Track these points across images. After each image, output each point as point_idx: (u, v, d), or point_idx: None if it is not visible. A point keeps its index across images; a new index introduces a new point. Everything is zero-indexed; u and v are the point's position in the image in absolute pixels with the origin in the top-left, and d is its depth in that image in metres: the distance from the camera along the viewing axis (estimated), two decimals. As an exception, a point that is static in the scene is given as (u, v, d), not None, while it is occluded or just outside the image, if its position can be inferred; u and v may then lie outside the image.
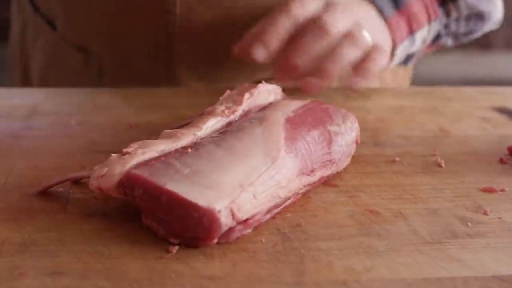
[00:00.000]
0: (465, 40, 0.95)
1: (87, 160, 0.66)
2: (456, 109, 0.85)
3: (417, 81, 1.07)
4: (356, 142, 0.68)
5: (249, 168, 0.56)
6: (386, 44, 0.80)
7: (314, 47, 0.73)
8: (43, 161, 0.67)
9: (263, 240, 0.55)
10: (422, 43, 0.87)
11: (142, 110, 0.80)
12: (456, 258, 0.53)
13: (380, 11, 0.80)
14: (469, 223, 0.59)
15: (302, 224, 0.57)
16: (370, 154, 0.71)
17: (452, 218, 0.59)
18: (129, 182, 0.54)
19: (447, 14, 0.87)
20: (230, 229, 0.54)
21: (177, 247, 0.53)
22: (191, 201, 0.52)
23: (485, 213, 0.60)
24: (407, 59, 0.89)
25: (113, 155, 0.58)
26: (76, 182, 0.62)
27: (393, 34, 0.80)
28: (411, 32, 0.83)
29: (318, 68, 0.73)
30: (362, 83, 0.75)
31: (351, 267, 0.52)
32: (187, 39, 0.88)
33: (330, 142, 0.63)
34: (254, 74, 0.90)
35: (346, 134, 0.65)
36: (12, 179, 0.63)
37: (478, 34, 0.95)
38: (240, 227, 0.54)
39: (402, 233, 0.57)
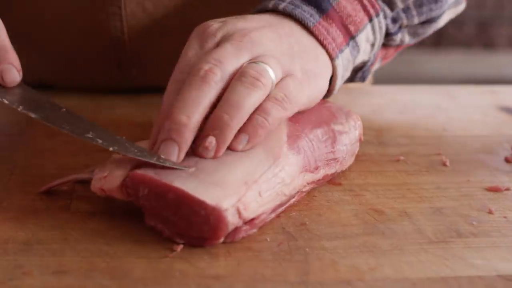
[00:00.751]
0: (427, 31, 0.77)
1: (91, 159, 0.66)
2: (461, 108, 0.85)
3: (420, 80, 1.07)
4: (360, 140, 0.67)
5: (252, 165, 0.56)
6: (318, 66, 0.65)
7: (197, 97, 0.56)
8: (47, 160, 0.67)
9: (268, 239, 0.55)
10: (371, 46, 0.71)
11: (146, 109, 0.80)
12: (461, 257, 0.53)
13: (302, 23, 0.66)
14: (474, 222, 0.58)
15: (307, 223, 0.57)
16: (374, 153, 0.71)
17: (457, 217, 0.59)
18: (134, 182, 0.54)
19: (391, 5, 0.71)
20: (236, 229, 0.53)
21: (181, 246, 0.53)
22: (199, 199, 0.51)
23: (490, 212, 0.60)
24: (363, 72, 0.75)
25: (114, 156, 0.57)
26: (81, 181, 0.62)
27: (325, 46, 0.66)
28: (350, 36, 0.68)
29: (210, 125, 0.57)
30: (247, 143, 0.57)
31: (355, 266, 0.52)
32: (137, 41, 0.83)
33: (334, 140, 0.63)
34: None
35: (350, 133, 0.65)
36: (15, 178, 0.63)
37: (440, 21, 0.78)
38: (246, 227, 0.54)
39: (407, 232, 0.56)
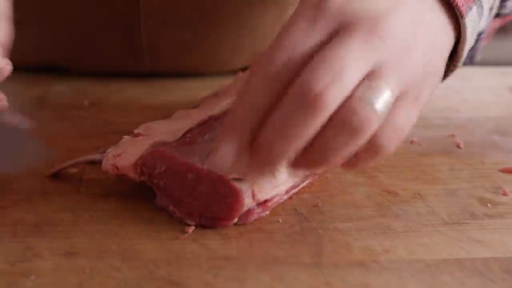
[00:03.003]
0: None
1: (100, 141, 0.65)
2: (474, 89, 0.84)
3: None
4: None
5: None
6: (439, 47, 0.51)
7: (301, 129, 0.44)
8: (56, 142, 0.66)
9: (280, 221, 0.54)
10: (489, 11, 0.58)
11: (155, 91, 0.80)
12: (475, 239, 0.53)
13: None
14: (488, 204, 0.58)
15: (320, 204, 0.57)
16: (387, 135, 0.70)
17: (471, 199, 0.58)
18: (153, 159, 0.53)
19: None
20: (249, 211, 0.53)
21: (193, 228, 0.52)
22: (223, 176, 0.51)
23: (504, 194, 0.59)
24: (473, 49, 0.64)
25: (125, 137, 0.57)
26: (93, 162, 0.61)
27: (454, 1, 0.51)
28: None
29: (302, 160, 0.47)
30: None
31: (369, 248, 0.51)
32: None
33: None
34: (233, 62, 0.84)
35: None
36: (25, 160, 0.63)
37: None
38: (258, 209, 0.53)
39: (421, 214, 0.56)
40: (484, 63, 0.82)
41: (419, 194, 0.59)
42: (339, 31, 0.45)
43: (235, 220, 0.52)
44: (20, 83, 0.80)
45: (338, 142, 0.44)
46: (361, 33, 0.45)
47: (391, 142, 0.46)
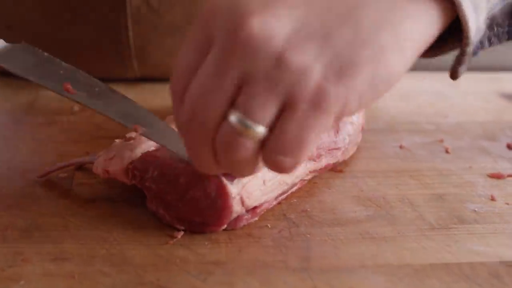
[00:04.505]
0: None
1: (90, 146, 0.66)
2: (462, 95, 0.85)
3: (422, 68, 1.06)
4: (362, 129, 0.67)
5: None
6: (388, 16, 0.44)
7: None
8: (46, 147, 0.66)
9: (269, 226, 0.54)
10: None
11: (145, 96, 0.80)
12: (463, 244, 0.53)
13: None
14: (476, 209, 0.58)
15: (308, 209, 0.57)
16: (376, 140, 0.71)
17: (459, 204, 0.59)
18: (145, 162, 0.53)
19: None
20: (238, 217, 0.53)
21: (182, 233, 0.52)
22: (216, 178, 0.51)
23: (492, 199, 0.60)
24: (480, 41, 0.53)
25: (117, 140, 0.57)
26: (80, 167, 0.61)
27: None
28: None
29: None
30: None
31: (357, 252, 0.51)
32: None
33: (337, 130, 0.62)
34: None
35: (353, 122, 0.65)
36: (15, 165, 0.63)
37: None
38: (247, 215, 0.54)
39: (409, 219, 0.56)
40: (473, 68, 0.83)
41: (407, 199, 0.59)
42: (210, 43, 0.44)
43: (224, 226, 0.52)
44: (10, 88, 0.80)
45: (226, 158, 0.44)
46: (220, 44, 0.42)
47: (286, 158, 0.43)
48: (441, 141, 0.71)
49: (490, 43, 0.50)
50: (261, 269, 0.49)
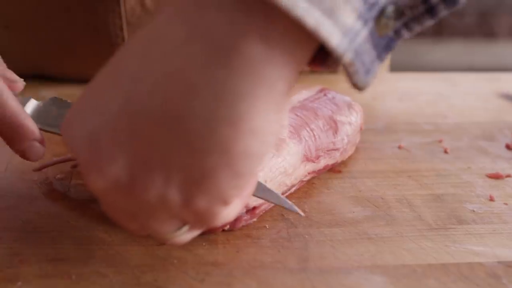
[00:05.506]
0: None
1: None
2: (461, 95, 0.85)
3: (421, 70, 1.06)
4: (360, 129, 0.67)
5: None
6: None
7: None
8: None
9: (267, 226, 0.54)
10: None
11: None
12: (461, 244, 0.53)
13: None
14: (474, 209, 0.58)
15: (306, 210, 0.57)
16: (374, 140, 0.71)
17: (458, 204, 0.59)
18: None
19: None
20: (237, 218, 0.53)
21: (179, 233, 0.52)
22: None
23: (491, 199, 0.60)
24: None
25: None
26: (76, 165, 0.61)
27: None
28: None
29: None
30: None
31: (355, 253, 0.51)
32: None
33: (336, 131, 0.62)
34: None
35: (352, 123, 0.65)
36: (12, 166, 0.63)
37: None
38: (246, 216, 0.54)
39: (407, 219, 0.56)
40: (472, 68, 0.83)
41: (405, 200, 0.59)
42: None
43: (227, 226, 0.52)
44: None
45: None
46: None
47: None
48: (440, 141, 0.71)
49: (410, 30, 0.41)
50: (259, 270, 0.49)
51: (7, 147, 0.65)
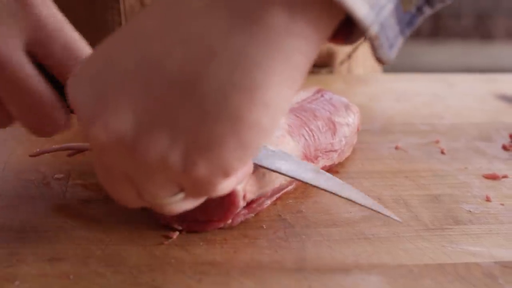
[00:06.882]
0: None
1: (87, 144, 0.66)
2: (458, 96, 0.85)
3: (418, 71, 1.06)
4: (357, 130, 0.67)
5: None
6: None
7: None
8: (43, 146, 0.66)
9: (264, 226, 0.54)
10: None
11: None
12: (458, 244, 0.53)
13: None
14: (471, 210, 0.58)
15: (303, 210, 0.57)
16: (371, 141, 0.71)
17: (454, 205, 0.59)
18: None
19: None
20: (236, 214, 0.53)
21: (177, 233, 0.52)
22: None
23: (487, 200, 0.60)
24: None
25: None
26: (74, 154, 0.62)
27: None
28: None
29: None
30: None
31: (352, 253, 0.51)
32: None
33: (334, 132, 0.63)
34: None
35: (350, 125, 0.65)
36: (10, 166, 0.63)
37: None
38: (244, 211, 0.54)
39: (404, 219, 0.56)
40: (469, 69, 0.83)
41: (402, 200, 0.59)
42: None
43: (229, 221, 0.53)
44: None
45: None
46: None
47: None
48: (437, 142, 0.71)
49: (432, 6, 0.43)
50: (256, 270, 0.49)
51: (5, 147, 0.66)
